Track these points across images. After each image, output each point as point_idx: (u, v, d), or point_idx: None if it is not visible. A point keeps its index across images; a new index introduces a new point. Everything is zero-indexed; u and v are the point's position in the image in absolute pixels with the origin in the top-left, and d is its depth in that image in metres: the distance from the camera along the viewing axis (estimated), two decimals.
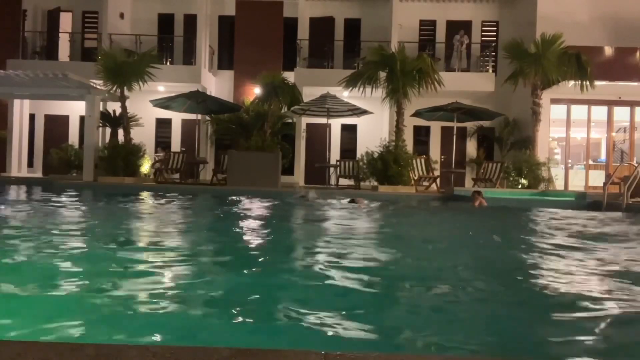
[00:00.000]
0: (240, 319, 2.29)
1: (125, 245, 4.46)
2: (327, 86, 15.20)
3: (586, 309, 2.53)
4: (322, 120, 15.59)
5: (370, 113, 14.91)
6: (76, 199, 9.52)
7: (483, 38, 18.14)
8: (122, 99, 14.20)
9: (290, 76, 16.03)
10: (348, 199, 10.34)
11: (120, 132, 14.65)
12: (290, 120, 16.71)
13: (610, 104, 15.88)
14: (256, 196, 10.90)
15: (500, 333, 2.23)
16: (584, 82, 13.52)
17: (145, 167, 15.18)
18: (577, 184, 16.02)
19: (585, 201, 10.52)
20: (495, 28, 18.11)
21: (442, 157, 17.48)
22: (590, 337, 2.12)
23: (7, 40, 17.39)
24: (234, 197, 10.63)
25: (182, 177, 14.81)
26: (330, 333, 2.04)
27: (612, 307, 2.59)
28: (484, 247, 4.94)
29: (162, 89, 17.02)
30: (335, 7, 18.40)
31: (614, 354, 1.96)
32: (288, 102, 15.11)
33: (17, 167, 16.31)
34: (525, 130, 15.59)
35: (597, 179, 15.86)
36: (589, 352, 1.97)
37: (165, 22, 18.69)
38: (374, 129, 17.30)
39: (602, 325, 2.30)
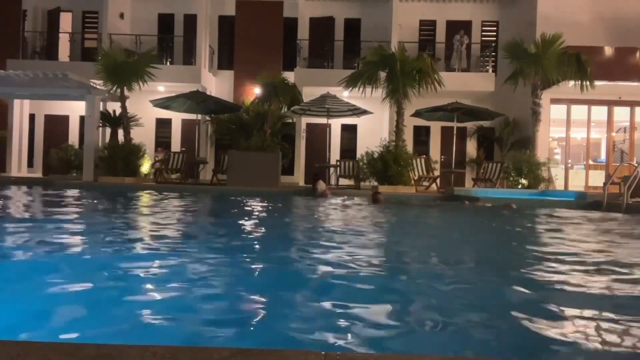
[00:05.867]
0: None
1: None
2: (327, 86, 15.21)
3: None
4: (322, 120, 15.59)
5: (370, 113, 14.91)
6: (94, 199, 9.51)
7: (483, 38, 18.15)
8: (122, 99, 14.20)
9: (290, 76, 16.03)
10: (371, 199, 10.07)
11: (120, 132, 14.64)
12: (290, 120, 16.72)
13: (610, 104, 15.88)
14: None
15: None
16: (584, 82, 13.52)
17: (145, 167, 15.18)
18: (577, 184, 16.03)
19: (585, 201, 10.52)
20: (495, 28, 18.11)
21: (442, 157, 17.49)
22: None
23: (7, 40, 17.40)
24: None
25: (182, 177, 14.81)
26: None
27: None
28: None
29: (162, 89, 17.02)
30: (335, 7, 18.40)
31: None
32: (288, 102, 15.12)
33: (17, 167, 16.31)
34: (525, 130, 15.59)
35: (597, 179, 15.87)
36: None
37: (165, 22, 18.70)
38: (374, 129, 17.31)
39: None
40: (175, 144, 18.08)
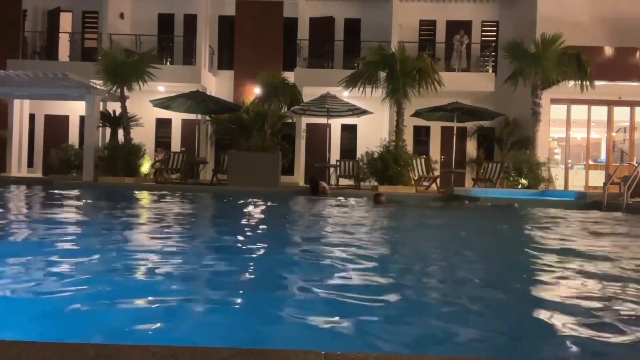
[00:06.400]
0: None
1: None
2: (327, 86, 15.20)
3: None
4: (322, 120, 15.59)
5: (370, 113, 14.91)
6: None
7: (483, 38, 18.15)
8: (122, 99, 14.20)
9: (290, 76, 16.03)
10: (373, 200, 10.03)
11: (120, 132, 14.65)
12: (290, 120, 16.72)
13: (610, 104, 15.88)
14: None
15: None
16: (584, 82, 13.51)
17: (145, 167, 15.18)
18: (577, 184, 16.02)
19: (585, 201, 10.52)
20: (495, 28, 18.11)
21: (442, 157, 17.49)
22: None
23: (7, 40, 17.39)
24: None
25: (182, 177, 14.81)
26: None
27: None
28: None
29: (162, 89, 17.02)
30: (335, 7, 18.40)
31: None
32: (288, 102, 15.12)
33: (17, 167, 16.31)
34: (525, 130, 15.59)
35: (597, 179, 15.86)
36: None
37: (165, 22, 18.69)
38: (374, 129, 17.31)
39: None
40: (175, 144, 18.08)
